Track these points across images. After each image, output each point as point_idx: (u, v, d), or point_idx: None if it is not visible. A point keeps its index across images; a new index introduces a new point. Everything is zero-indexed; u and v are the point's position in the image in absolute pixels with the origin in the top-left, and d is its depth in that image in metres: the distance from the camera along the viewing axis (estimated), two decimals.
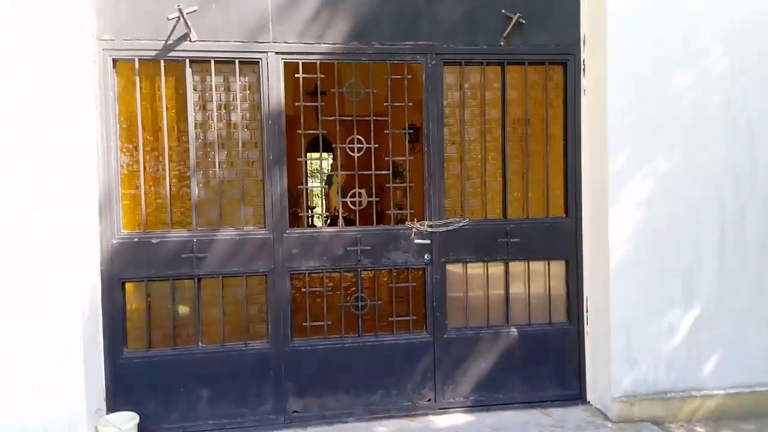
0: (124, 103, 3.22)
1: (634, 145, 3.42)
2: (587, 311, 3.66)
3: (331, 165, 7.66)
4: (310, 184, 3.07)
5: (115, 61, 3.16)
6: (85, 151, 3.04)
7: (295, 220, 3.35)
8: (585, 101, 3.62)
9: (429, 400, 3.52)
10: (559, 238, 3.64)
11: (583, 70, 3.61)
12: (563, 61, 3.62)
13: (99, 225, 3.13)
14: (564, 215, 3.68)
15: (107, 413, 3.12)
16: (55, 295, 2.84)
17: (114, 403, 3.16)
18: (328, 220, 7.29)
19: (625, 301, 3.45)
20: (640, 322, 3.47)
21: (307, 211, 3.30)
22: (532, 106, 3.71)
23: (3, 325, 2.80)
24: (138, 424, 3.11)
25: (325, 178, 8.09)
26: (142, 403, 3.19)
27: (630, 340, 3.48)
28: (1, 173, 2.78)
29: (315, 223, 8.66)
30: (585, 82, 3.61)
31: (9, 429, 2.79)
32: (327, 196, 8.09)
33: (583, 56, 3.61)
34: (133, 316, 3.25)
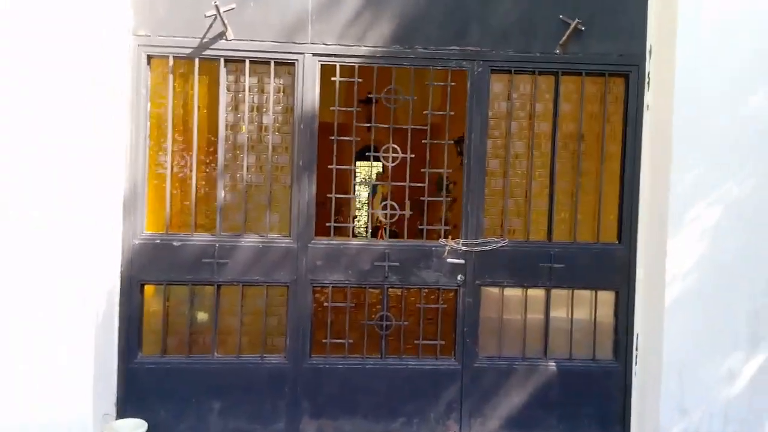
0: (155, 101, 3.14)
1: (702, 168, 3.05)
2: (637, 349, 3.30)
3: (376, 175, 7.46)
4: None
5: (149, 57, 3.09)
6: (114, 147, 2.98)
7: (334, 230, 3.16)
8: (648, 117, 3.27)
9: None
10: (610, 266, 3.31)
11: (648, 83, 3.27)
12: (625, 72, 3.29)
13: (122, 224, 3.05)
14: (616, 241, 3.34)
15: (117, 419, 3.02)
16: (68, 293, 2.76)
17: (124, 409, 3.07)
18: (370, 231, 7.09)
19: (680, 341, 3.08)
20: (696, 364, 3.09)
21: (351, 221, 3.12)
22: (587, 121, 3.40)
23: (10, 324, 2.74)
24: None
25: (370, 187, 7.93)
26: (152, 411, 3.09)
27: (683, 385, 3.11)
28: (25, 168, 2.73)
29: (356, 234, 8.50)
30: (649, 97, 3.27)
31: (10, 430, 2.73)
32: (372, 206, 7.91)
33: (648, 68, 3.27)
34: (149, 320, 3.16)
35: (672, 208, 3.08)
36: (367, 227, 7.44)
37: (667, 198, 3.10)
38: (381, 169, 8.89)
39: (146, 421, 3.02)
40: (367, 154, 3.26)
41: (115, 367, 3.07)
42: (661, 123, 3.18)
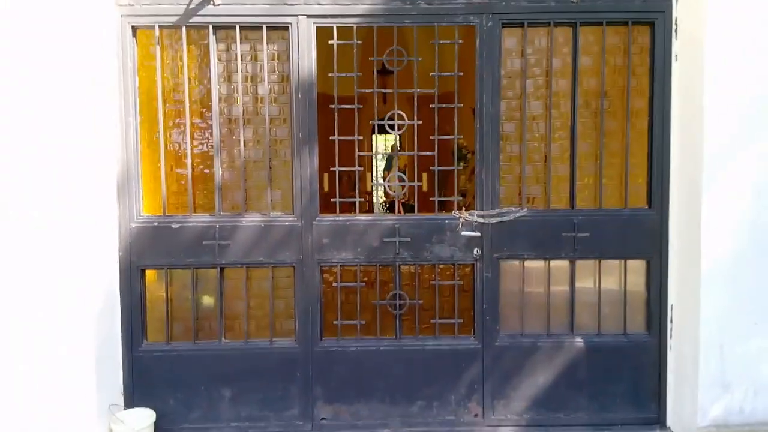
0: (143, 75, 2.97)
1: (738, 122, 2.77)
2: (671, 322, 3.06)
3: (391, 147, 7.23)
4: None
5: (134, 28, 2.91)
6: (104, 127, 2.82)
7: (347, 206, 2.97)
8: (676, 69, 2.98)
9: (476, 415, 3.07)
10: (639, 232, 3.05)
11: (675, 31, 2.97)
12: (650, 20, 3.00)
13: (118, 208, 2.91)
14: (646, 206, 3.08)
15: (125, 409, 2.92)
16: (65, 283, 2.64)
17: (132, 398, 2.97)
18: (387, 206, 6.92)
19: (719, 312, 2.84)
20: (738, 337, 2.85)
21: (357, 195, 2.91)
22: (610, 76, 3.11)
23: (7, 320, 2.63)
24: (156, 422, 2.89)
25: (384, 159, 7.68)
26: (161, 400, 2.98)
27: (724, 359, 2.87)
28: (14, 155, 2.59)
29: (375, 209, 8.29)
30: (677, 46, 2.97)
31: (15, 424, 2.64)
32: (386, 179, 7.70)
33: (675, 14, 2.96)
34: (153, 306, 3.03)
35: (706, 167, 2.82)
36: (385, 202, 7.29)
37: (701, 156, 2.83)
38: (398, 144, 8.67)
39: (155, 411, 2.91)
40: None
41: (120, 356, 2.96)
42: (691, 75, 2.89)
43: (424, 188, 3.28)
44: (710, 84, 2.78)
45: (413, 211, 3.12)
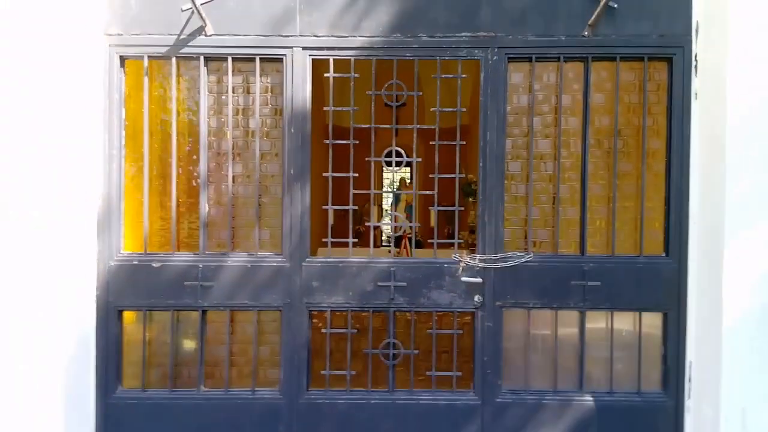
0: (130, 106, 2.84)
1: (765, 166, 2.54)
2: (690, 381, 2.79)
3: (400, 181, 7.06)
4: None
5: (122, 59, 2.79)
6: (86, 159, 2.69)
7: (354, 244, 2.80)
8: (696, 108, 2.77)
9: None
10: (656, 282, 2.81)
11: (695, 67, 2.77)
12: (668, 55, 2.81)
13: (97, 244, 2.76)
14: (664, 254, 2.85)
15: None
16: (37, 322, 2.48)
17: None
18: (395, 242, 6.73)
19: (742, 371, 2.58)
20: (763, 400, 2.57)
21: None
22: (624, 114, 2.92)
23: None
24: None
25: (393, 197, 7.56)
26: None
27: (746, 425, 2.59)
28: None
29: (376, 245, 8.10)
30: (697, 83, 2.77)
31: None
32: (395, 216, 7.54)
33: (695, 49, 2.77)
34: (129, 349, 2.85)
35: (728, 214, 2.60)
36: (391, 237, 7.12)
37: (723, 202, 2.61)
38: (409, 177, 8.52)
39: None
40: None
41: (93, 402, 2.76)
42: (712, 114, 2.69)
43: (432, 224, 3.08)
44: (733, 125, 2.57)
45: (421, 247, 2.93)
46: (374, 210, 3.01)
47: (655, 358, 2.88)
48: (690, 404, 2.80)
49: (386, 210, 8.79)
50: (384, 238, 8.11)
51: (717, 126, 2.65)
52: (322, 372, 2.84)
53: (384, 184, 8.29)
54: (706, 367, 2.72)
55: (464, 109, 2.84)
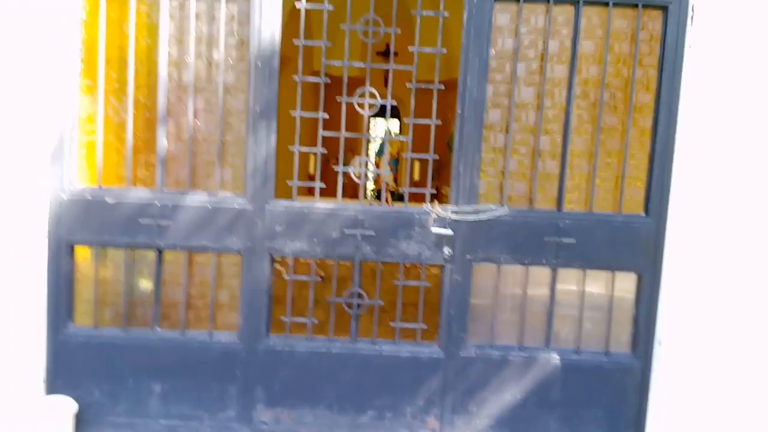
0: (86, 31, 2.64)
1: (761, 125, 2.41)
2: (660, 344, 2.73)
3: (386, 132, 6.85)
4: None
5: None
6: (37, 87, 2.51)
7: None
8: (689, 60, 2.61)
9: (433, 430, 2.78)
10: (632, 242, 2.72)
11: (691, 17, 2.60)
12: (664, 4, 2.63)
13: (49, 176, 2.60)
14: (643, 213, 2.74)
15: (46, 396, 2.65)
16: None
17: (55, 385, 2.69)
18: (377, 194, 6.60)
19: (716, 337, 2.52)
20: (740, 368, 2.52)
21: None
22: (614, 65, 2.76)
23: None
24: (77, 414, 2.62)
25: (378, 147, 7.35)
26: (85, 389, 2.70)
27: (718, 390, 2.55)
28: None
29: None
30: (692, 35, 2.60)
31: None
32: (377, 166, 7.37)
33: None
34: (82, 287, 2.73)
35: (718, 174, 2.48)
36: (375, 190, 6.99)
37: (712, 161, 2.49)
38: (397, 128, 8.31)
39: (78, 401, 2.64)
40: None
41: (44, 339, 2.67)
42: (707, 67, 2.53)
43: (416, 177, 2.95)
44: (729, 79, 2.43)
45: (402, 201, 2.81)
46: (358, 162, 2.86)
47: (626, 319, 2.82)
48: (658, 367, 2.75)
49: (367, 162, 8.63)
50: (368, 194, 7.98)
51: (710, 79, 2.51)
52: (283, 319, 2.75)
53: (370, 137, 8.09)
54: (678, 332, 2.66)
55: (444, 50, 2.66)
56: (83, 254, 2.72)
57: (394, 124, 7.98)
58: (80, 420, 2.65)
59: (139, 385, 2.71)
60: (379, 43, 2.73)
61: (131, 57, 2.61)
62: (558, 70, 2.74)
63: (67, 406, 2.59)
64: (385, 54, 2.74)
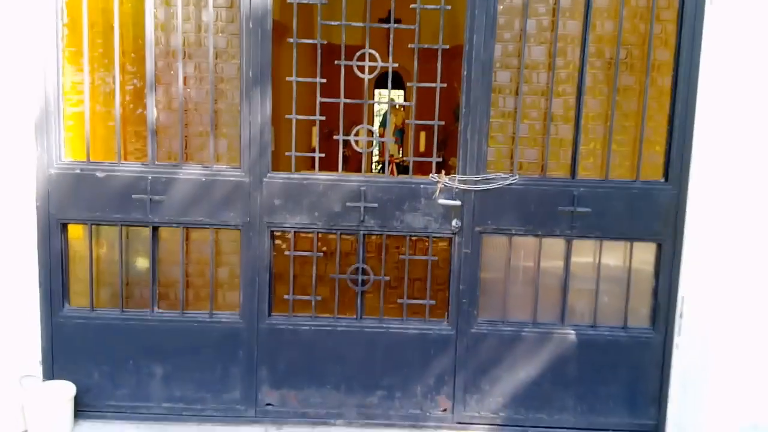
0: None
1: None
2: (681, 317, 2.59)
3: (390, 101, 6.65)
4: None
5: None
6: (20, 55, 2.38)
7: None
8: (711, 14, 2.42)
9: (444, 410, 2.67)
10: (651, 211, 2.57)
11: None
12: None
13: (36, 150, 2.48)
14: (662, 179, 2.58)
15: (43, 381, 2.56)
16: None
17: (51, 370, 2.60)
18: (380, 167, 6.44)
19: (742, 310, 2.37)
20: (759, 342, 2.38)
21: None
22: (630, 20, 2.59)
23: None
24: (77, 398, 2.53)
25: (381, 117, 7.15)
26: (84, 373, 2.61)
27: (743, 365, 2.42)
28: None
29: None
30: None
31: None
32: (381, 137, 7.18)
33: None
34: (76, 267, 2.63)
35: (739, 137, 2.31)
36: (379, 162, 6.81)
37: (735, 123, 2.32)
38: (401, 97, 8.07)
39: (77, 385, 2.55)
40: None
41: (38, 321, 2.57)
42: (729, 22, 2.35)
43: (422, 149, 2.80)
44: (754, 34, 2.25)
45: (407, 173, 2.66)
46: (360, 130, 2.71)
47: (645, 292, 2.68)
48: (679, 341, 2.61)
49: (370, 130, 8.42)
50: (374, 165, 7.83)
51: (733, 35, 2.32)
52: (286, 297, 2.64)
53: (376, 107, 7.83)
54: (700, 304, 2.52)
55: (448, 7, 2.49)
56: (76, 232, 2.61)
57: (398, 96, 7.77)
58: (80, 404, 2.57)
59: (140, 367, 2.62)
60: (381, 9, 2.57)
61: (116, 20, 2.47)
62: (570, 26, 2.57)
63: (64, 390, 2.50)
64: (386, 21, 2.57)
